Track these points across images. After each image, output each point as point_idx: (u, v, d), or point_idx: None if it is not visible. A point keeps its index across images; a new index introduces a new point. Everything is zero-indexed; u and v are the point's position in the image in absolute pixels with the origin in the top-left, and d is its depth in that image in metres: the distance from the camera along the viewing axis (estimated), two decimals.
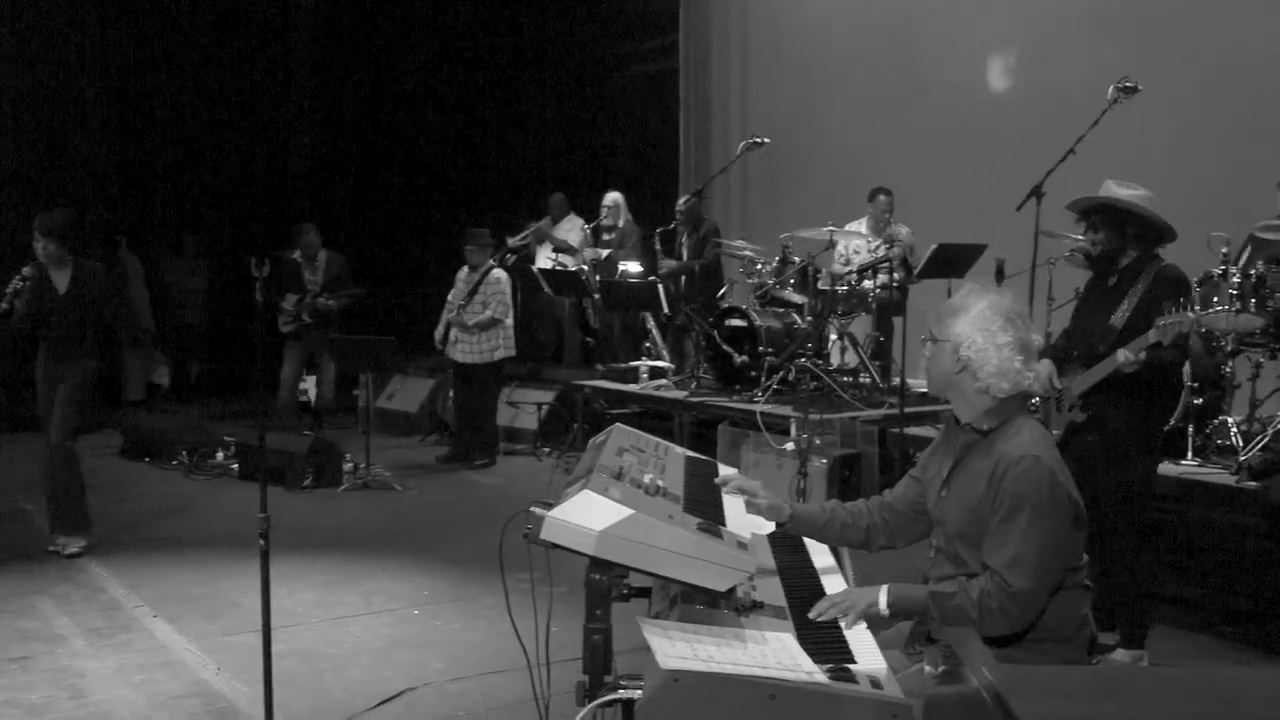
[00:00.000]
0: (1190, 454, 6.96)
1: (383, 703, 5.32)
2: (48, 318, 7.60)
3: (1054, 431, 5.51)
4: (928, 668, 3.04)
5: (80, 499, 7.86)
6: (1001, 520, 3.37)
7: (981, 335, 3.46)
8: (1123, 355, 5.30)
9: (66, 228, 7.62)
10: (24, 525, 8.61)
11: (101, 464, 10.78)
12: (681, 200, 11.29)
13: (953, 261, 8.84)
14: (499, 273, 10.75)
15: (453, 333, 10.73)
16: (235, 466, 10.26)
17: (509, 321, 10.76)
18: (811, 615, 3.31)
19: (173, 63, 15.28)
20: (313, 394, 12.29)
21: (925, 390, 9.23)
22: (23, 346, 12.76)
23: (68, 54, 14.45)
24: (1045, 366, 5.59)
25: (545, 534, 2.91)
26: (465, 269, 10.85)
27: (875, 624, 3.37)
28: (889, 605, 3.41)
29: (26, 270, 7.57)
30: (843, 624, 3.30)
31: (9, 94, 14.25)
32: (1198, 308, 5.36)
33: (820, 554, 3.88)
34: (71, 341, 7.63)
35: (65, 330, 7.60)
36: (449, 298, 10.89)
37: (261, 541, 4.46)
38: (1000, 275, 7.97)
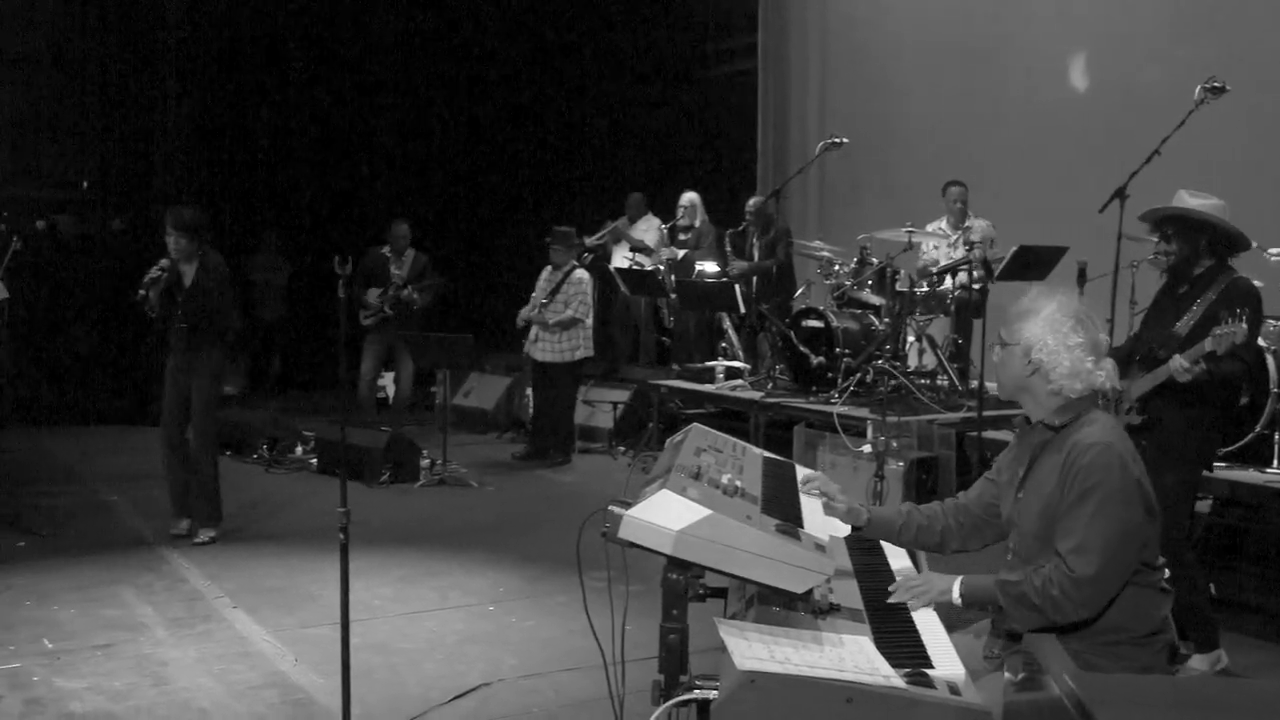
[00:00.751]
0: (1276, 462, 6.81)
1: (457, 697, 5.35)
2: (174, 310, 7.83)
3: None
4: (1007, 674, 3.02)
5: (215, 491, 8.07)
6: (1070, 506, 3.35)
7: (1053, 337, 3.44)
8: (1176, 362, 5.24)
9: (196, 223, 7.81)
10: (108, 516, 8.77)
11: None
12: (752, 200, 11.26)
13: (1034, 264, 8.73)
14: (582, 273, 10.77)
15: (533, 331, 10.77)
16: (314, 461, 10.37)
17: (589, 321, 10.78)
18: (889, 599, 3.36)
19: (255, 59, 15.47)
20: (390, 390, 12.41)
21: None
22: (114, 342, 13.09)
23: (150, 54, 14.70)
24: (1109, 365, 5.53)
25: (623, 533, 2.92)
26: (548, 268, 10.89)
27: (949, 614, 3.37)
28: (961, 594, 3.43)
29: (164, 262, 7.81)
30: (912, 606, 3.36)
31: (94, 95, 14.52)
32: (1274, 321, 5.29)
33: (897, 557, 3.86)
34: (196, 334, 7.82)
35: (190, 323, 7.81)
36: (532, 297, 10.93)
37: (341, 536, 4.50)
38: (1082, 278, 7.86)
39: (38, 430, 12.02)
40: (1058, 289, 3.62)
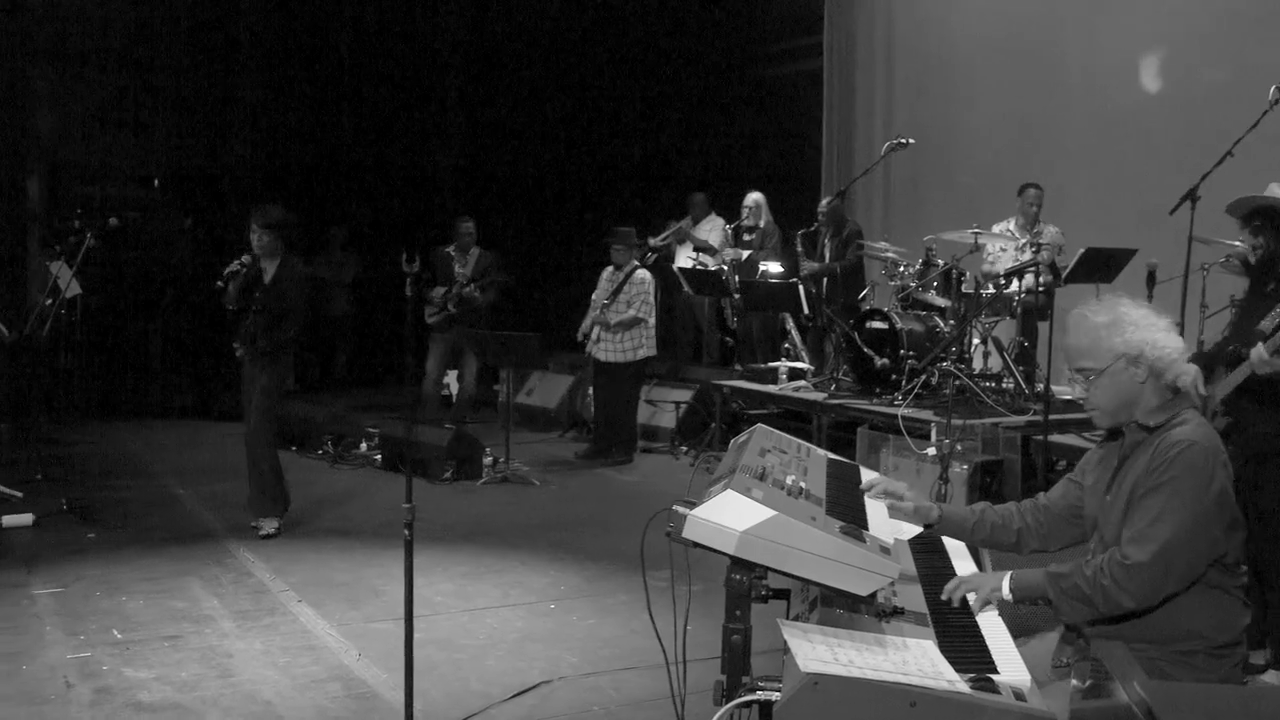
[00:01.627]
0: None
1: (518, 694, 5.37)
2: (251, 306, 8.00)
3: None
4: (1074, 681, 2.99)
5: (278, 483, 8.20)
6: (1142, 497, 3.32)
7: (1156, 334, 3.40)
8: (1256, 352, 5.03)
9: (280, 221, 8.01)
10: (177, 509, 8.89)
11: None
12: (824, 201, 11.22)
13: (1102, 266, 8.64)
14: (644, 273, 10.79)
15: (595, 331, 10.79)
16: (378, 457, 10.45)
17: (651, 321, 10.79)
18: (943, 596, 3.36)
19: (325, 57, 15.63)
20: (455, 388, 12.49)
21: (1069, 397, 9.05)
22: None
23: (223, 52, 14.89)
24: (1192, 369, 5.41)
25: (687, 532, 2.92)
26: (609, 268, 10.92)
27: (1013, 620, 3.34)
28: (1011, 589, 3.39)
29: (246, 258, 7.99)
30: (970, 602, 3.35)
31: (169, 95, 14.71)
32: None
33: (961, 559, 3.82)
34: (269, 330, 7.97)
35: (266, 320, 7.97)
36: (593, 297, 10.96)
37: (406, 532, 4.53)
38: (1152, 281, 7.77)
39: (109, 424, 12.22)
40: (1116, 298, 3.56)
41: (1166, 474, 3.28)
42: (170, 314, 14.19)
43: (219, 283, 7.98)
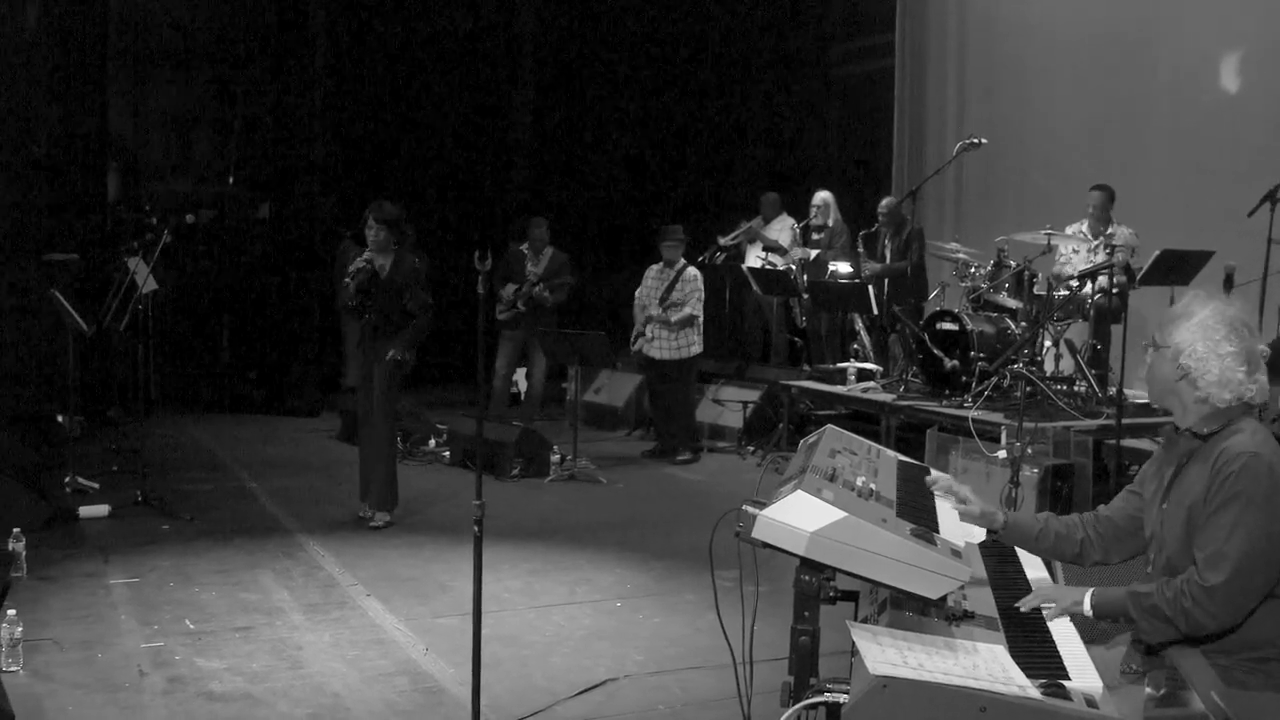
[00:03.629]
0: None
1: (584, 691, 5.39)
2: (368, 300, 8.22)
3: None
4: (1148, 689, 2.95)
5: (393, 480, 8.38)
6: (1211, 515, 3.25)
7: (1204, 343, 3.34)
8: None
9: (395, 217, 8.21)
10: (249, 503, 9.00)
11: (320, 447, 11.24)
12: (884, 201, 11.16)
13: (1177, 268, 8.53)
14: (694, 270, 10.77)
15: (649, 329, 10.78)
16: (446, 454, 10.51)
17: (701, 319, 10.78)
18: (1020, 606, 3.32)
19: (399, 54, 15.74)
20: (523, 386, 12.54)
21: (1144, 401, 8.94)
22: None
23: (297, 48, 15.05)
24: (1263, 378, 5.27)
25: (757, 533, 2.92)
26: (654, 266, 10.90)
27: (1085, 626, 3.31)
28: (1092, 606, 3.35)
29: (368, 254, 8.19)
30: (1045, 616, 3.31)
31: (244, 100, 14.90)
32: None
33: (1033, 566, 3.79)
34: (387, 325, 8.18)
35: (382, 313, 8.19)
36: (637, 295, 10.95)
37: (475, 528, 4.56)
38: (1229, 283, 7.66)
39: (183, 418, 12.39)
40: (1215, 294, 3.51)
41: (1233, 489, 3.22)
42: (244, 309, 14.36)
43: (346, 279, 8.24)
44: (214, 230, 14.43)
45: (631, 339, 11.03)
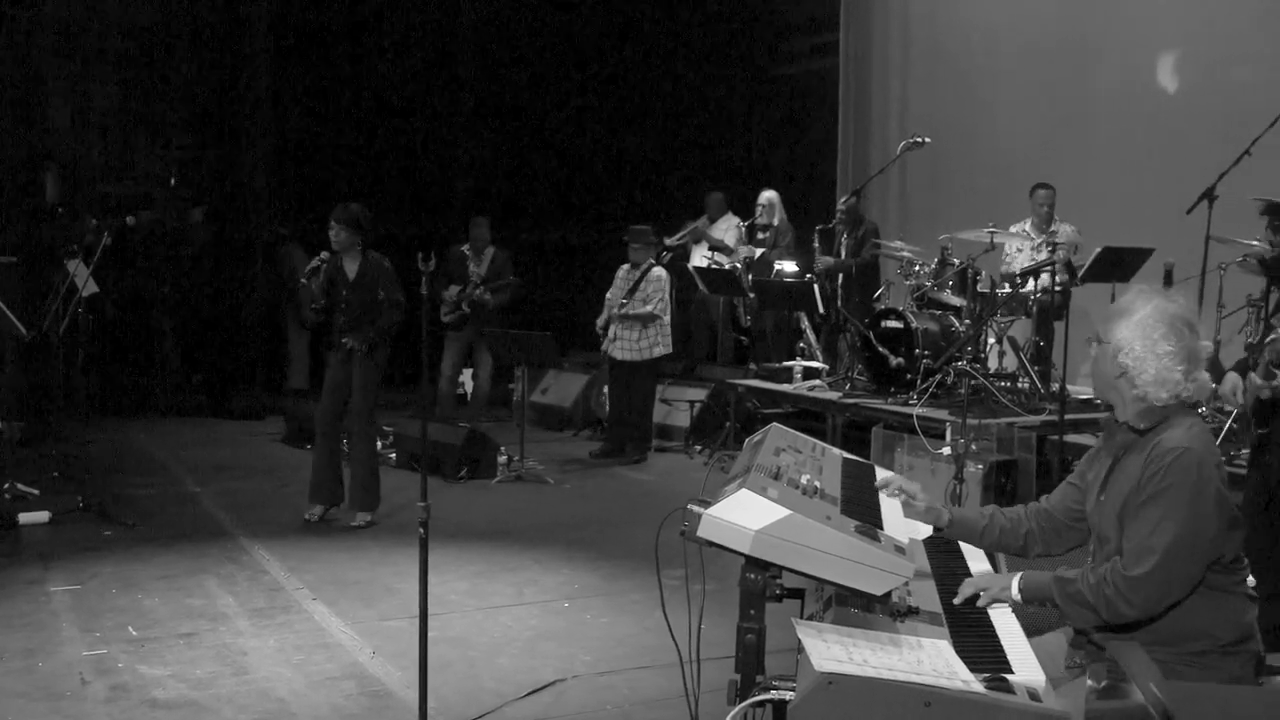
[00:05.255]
0: None
1: (532, 692, 5.38)
2: (338, 304, 8.22)
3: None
4: (1089, 681, 2.98)
5: (375, 480, 8.42)
6: (1140, 507, 3.31)
7: (1141, 343, 3.37)
8: (1250, 384, 4.90)
9: (355, 217, 8.20)
10: (192, 507, 8.90)
11: (265, 450, 11.13)
12: (843, 200, 11.22)
13: (1119, 265, 8.63)
14: (660, 271, 10.77)
15: (612, 329, 10.78)
16: (393, 455, 10.45)
17: (667, 319, 10.77)
18: (955, 600, 3.36)
19: (339, 56, 15.63)
20: (469, 387, 12.49)
21: (1086, 397, 9.06)
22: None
23: (240, 54, 14.90)
24: (1230, 380, 5.31)
25: (702, 531, 2.92)
26: (625, 267, 10.91)
27: (1028, 619, 3.35)
28: (1020, 590, 3.40)
29: (324, 254, 8.19)
30: (978, 603, 3.37)
31: (188, 97, 14.74)
32: None
33: (976, 560, 3.82)
34: (359, 327, 8.16)
35: (353, 316, 8.18)
36: (608, 296, 10.95)
37: (421, 530, 4.54)
38: (1168, 280, 7.76)
39: (124, 422, 12.24)
40: (1160, 291, 3.54)
41: (1162, 483, 3.27)
42: (186, 312, 14.21)
43: (302, 280, 8.25)
44: (155, 232, 14.24)
45: (599, 328, 11.00)
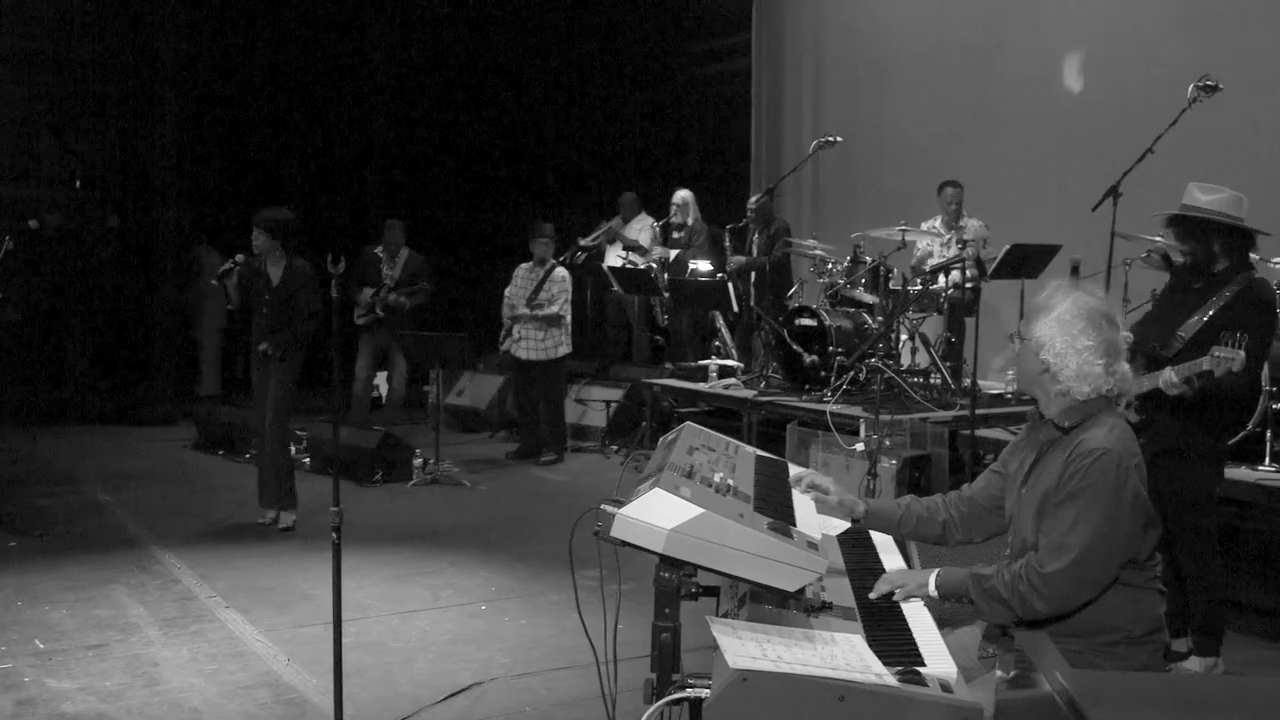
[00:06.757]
0: (1269, 460, 6.79)
1: (450, 696, 5.35)
2: (260, 307, 8.19)
3: None
4: (999, 672, 3.02)
5: (291, 478, 8.44)
6: (1058, 504, 3.37)
7: (1061, 338, 3.43)
8: (1164, 378, 4.97)
9: (276, 222, 8.13)
10: (100, 516, 8.74)
11: (176, 456, 10.97)
12: (753, 199, 11.27)
13: (1027, 261, 8.75)
14: (563, 271, 10.76)
15: (516, 329, 10.74)
16: (306, 460, 10.35)
17: (568, 319, 10.78)
18: (871, 596, 3.38)
19: (251, 60, 15.44)
20: (384, 390, 12.39)
21: (997, 392, 9.19)
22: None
23: (145, 55, 14.65)
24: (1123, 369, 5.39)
25: (615, 531, 2.92)
26: (524, 265, 10.87)
27: (942, 612, 3.39)
28: (937, 587, 3.44)
29: (239, 256, 8.19)
30: (895, 598, 3.39)
31: (92, 98, 14.47)
32: None
33: (889, 554, 3.86)
34: (279, 331, 8.11)
35: (274, 320, 8.12)
36: (506, 294, 10.91)
37: (334, 535, 4.51)
38: (1075, 276, 7.87)
39: (29, 430, 11.98)
40: (1079, 286, 3.59)
41: (1081, 483, 3.33)
42: (94, 317, 13.97)
43: (213, 281, 8.26)
44: (61, 236, 13.97)
45: (500, 338, 10.98)
